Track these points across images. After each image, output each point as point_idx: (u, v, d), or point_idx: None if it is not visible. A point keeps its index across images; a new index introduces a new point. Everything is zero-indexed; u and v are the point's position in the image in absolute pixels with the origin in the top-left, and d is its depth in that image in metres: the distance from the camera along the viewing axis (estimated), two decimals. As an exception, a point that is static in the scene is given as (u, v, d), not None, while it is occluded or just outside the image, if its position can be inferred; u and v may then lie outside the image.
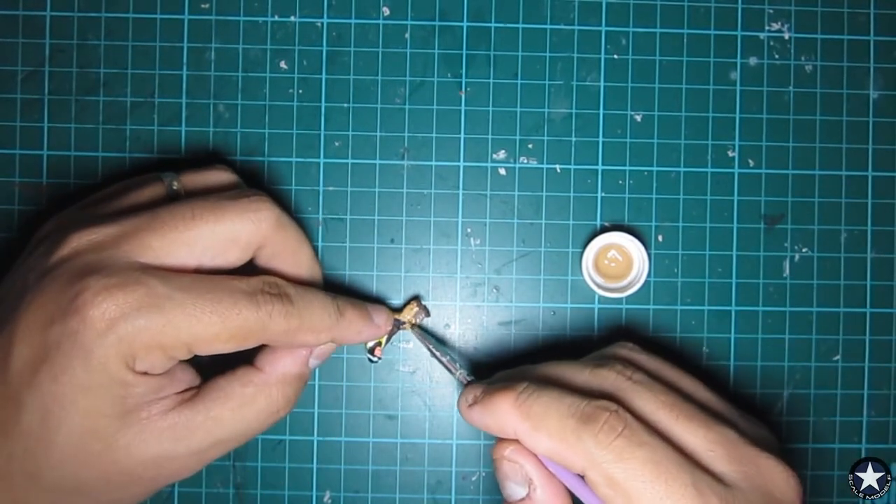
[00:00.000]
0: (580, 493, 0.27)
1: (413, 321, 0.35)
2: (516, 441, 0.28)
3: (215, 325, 0.27)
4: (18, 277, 0.28)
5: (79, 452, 0.26)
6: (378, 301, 0.36)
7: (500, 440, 0.29)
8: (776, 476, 0.26)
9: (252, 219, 0.29)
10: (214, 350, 0.27)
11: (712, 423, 0.27)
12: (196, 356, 0.28)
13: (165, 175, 0.31)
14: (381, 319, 0.33)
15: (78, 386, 0.26)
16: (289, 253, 0.31)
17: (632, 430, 0.26)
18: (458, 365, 0.32)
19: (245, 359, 0.30)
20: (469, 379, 0.31)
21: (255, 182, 0.36)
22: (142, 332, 0.26)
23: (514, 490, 0.28)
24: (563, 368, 0.30)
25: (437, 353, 0.33)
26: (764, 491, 0.26)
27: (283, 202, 0.36)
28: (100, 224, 0.28)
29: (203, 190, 0.31)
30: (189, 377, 0.29)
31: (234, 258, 0.29)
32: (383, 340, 0.34)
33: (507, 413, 0.27)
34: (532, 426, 0.27)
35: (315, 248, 0.35)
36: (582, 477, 0.26)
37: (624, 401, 0.27)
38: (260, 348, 0.31)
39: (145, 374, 0.27)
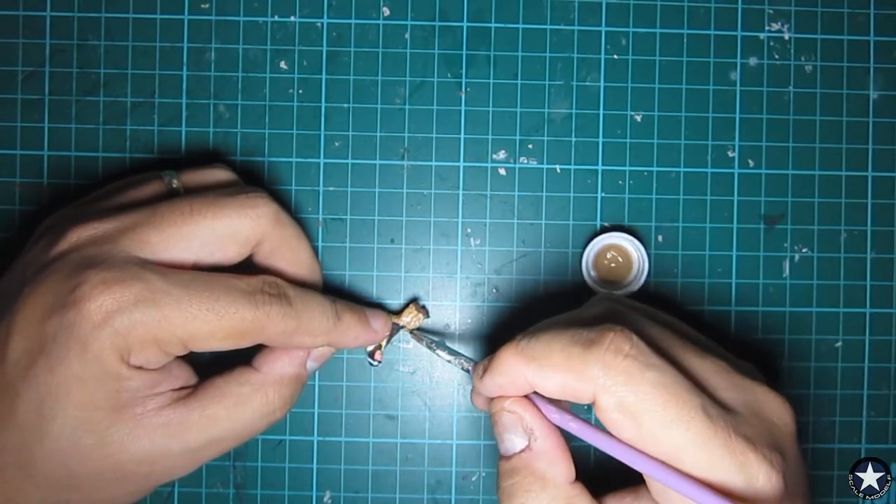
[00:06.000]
0: (586, 436, 0.26)
1: (412, 324, 0.35)
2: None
3: (211, 322, 0.27)
4: (18, 271, 0.28)
5: (72, 445, 0.26)
6: (377, 305, 0.36)
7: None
8: (772, 402, 0.26)
9: (250, 214, 0.29)
10: (210, 347, 0.27)
11: (706, 354, 0.27)
12: (196, 355, 0.28)
13: (165, 173, 0.31)
14: (379, 325, 0.33)
15: (73, 377, 0.26)
16: (287, 249, 0.31)
17: (639, 349, 0.25)
18: (458, 354, 0.32)
19: (244, 359, 0.30)
20: (472, 363, 0.31)
21: (255, 182, 0.36)
22: (137, 326, 0.26)
23: (514, 442, 0.27)
24: (555, 317, 0.29)
25: (435, 347, 0.33)
26: (763, 417, 0.26)
27: (284, 202, 0.36)
28: (99, 219, 0.28)
29: (202, 187, 0.31)
30: (185, 375, 0.29)
31: (233, 254, 0.29)
32: (383, 344, 0.34)
33: (512, 363, 0.26)
34: (538, 365, 0.26)
35: (315, 248, 0.35)
36: (588, 414, 0.26)
37: (625, 324, 0.26)
38: (258, 348, 0.31)
39: (140, 368, 0.27)
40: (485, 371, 0.28)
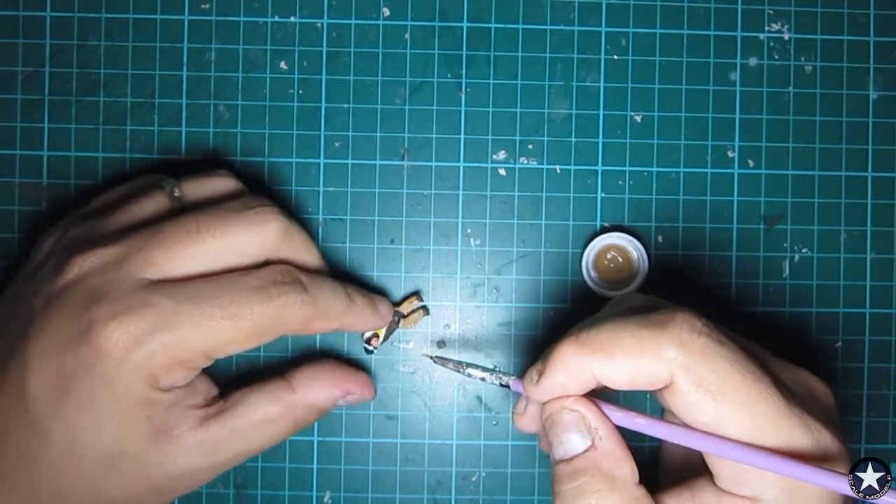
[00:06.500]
0: (656, 430, 0.25)
1: (415, 318, 0.35)
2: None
3: (229, 329, 0.27)
4: (25, 300, 0.28)
5: (109, 472, 0.27)
6: (379, 291, 0.36)
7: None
8: (816, 383, 0.27)
9: (259, 231, 0.29)
10: (234, 352, 0.27)
11: (751, 343, 0.27)
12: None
13: (166, 183, 0.31)
14: (385, 309, 0.33)
15: (104, 414, 0.26)
16: (297, 260, 0.31)
17: (710, 327, 0.24)
18: (491, 370, 0.30)
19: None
20: (511, 377, 0.29)
21: (255, 183, 0.36)
22: (157, 354, 0.26)
23: (575, 443, 0.25)
24: (594, 316, 0.28)
25: (464, 367, 0.30)
26: (814, 395, 0.26)
27: (284, 203, 0.36)
28: (103, 245, 0.28)
29: (207, 199, 0.31)
30: (207, 387, 0.30)
31: (242, 267, 0.29)
32: (381, 333, 0.34)
33: (575, 358, 0.25)
34: (606, 354, 0.24)
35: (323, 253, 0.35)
36: (658, 411, 0.25)
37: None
38: (298, 367, 0.31)
39: (170, 389, 0.27)
40: (540, 373, 0.26)
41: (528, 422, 0.29)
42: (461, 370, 0.30)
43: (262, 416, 0.29)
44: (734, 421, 0.23)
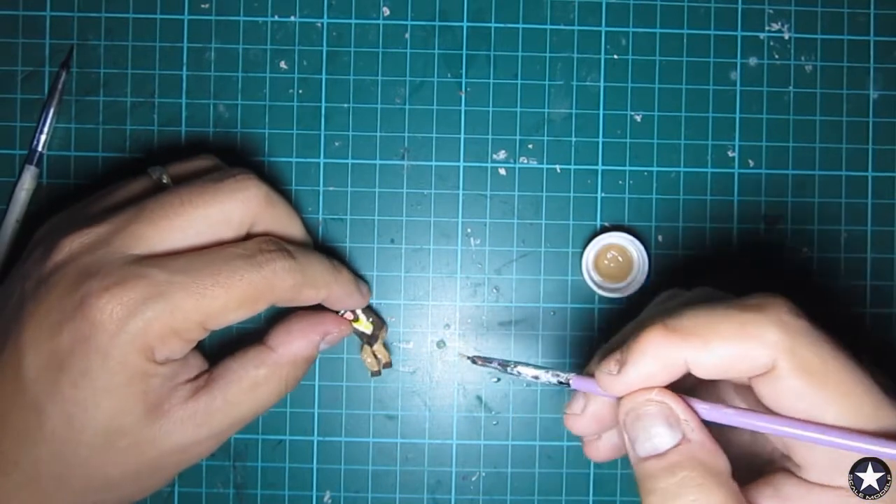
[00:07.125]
0: (750, 421, 0.24)
1: (375, 333, 0.35)
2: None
3: (220, 297, 0.27)
4: (16, 286, 0.28)
5: (106, 450, 0.27)
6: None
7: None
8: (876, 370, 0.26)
9: (241, 198, 0.29)
10: (228, 321, 0.28)
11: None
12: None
13: (153, 169, 0.31)
14: (365, 288, 0.34)
15: (99, 389, 0.26)
16: (280, 227, 0.31)
17: (802, 312, 0.23)
18: (545, 368, 0.28)
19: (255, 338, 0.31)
20: (570, 374, 0.27)
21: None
22: (152, 324, 0.26)
23: (664, 437, 0.23)
24: (654, 312, 0.27)
25: (513, 366, 0.28)
26: (885, 380, 0.25)
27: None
28: (91, 225, 0.28)
29: (189, 176, 0.31)
30: (199, 362, 0.30)
31: (228, 237, 0.29)
32: (380, 354, 0.35)
33: (665, 345, 0.23)
34: (702, 340, 0.23)
35: (305, 220, 0.35)
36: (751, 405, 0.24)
37: None
38: (271, 328, 0.31)
39: (165, 362, 0.27)
40: (619, 364, 0.24)
41: (585, 423, 0.27)
42: (508, 370, 0.28)
43: (250, 381, 0.30)
44: (834, 407, 0.22)
